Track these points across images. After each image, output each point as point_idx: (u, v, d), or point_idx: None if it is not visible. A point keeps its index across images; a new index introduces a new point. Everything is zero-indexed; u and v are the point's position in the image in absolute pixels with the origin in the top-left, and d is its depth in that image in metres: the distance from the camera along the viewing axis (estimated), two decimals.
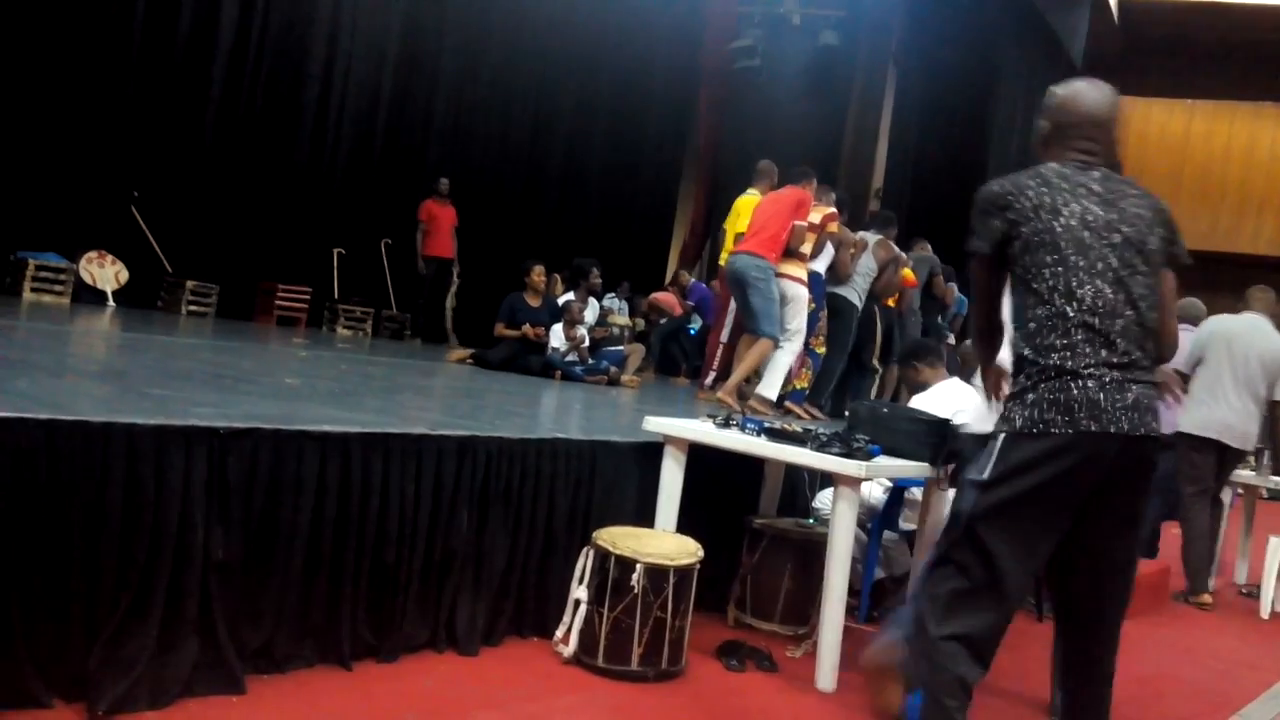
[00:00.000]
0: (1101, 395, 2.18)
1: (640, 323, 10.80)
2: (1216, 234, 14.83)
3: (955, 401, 4.22)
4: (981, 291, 2.48)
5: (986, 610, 2.23)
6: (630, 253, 12.32)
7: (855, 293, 7.17)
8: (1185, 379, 5.57)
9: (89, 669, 2.32)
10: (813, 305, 6.61)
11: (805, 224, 6.29)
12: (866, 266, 7.28)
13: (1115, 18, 14.16)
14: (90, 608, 2.35)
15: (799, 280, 6.33)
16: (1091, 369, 2.20)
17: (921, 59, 12.32)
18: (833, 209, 6.75)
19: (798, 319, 6.31)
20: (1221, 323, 5.73)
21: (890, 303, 7.82)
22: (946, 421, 3.62)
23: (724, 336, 7.18)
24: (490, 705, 2.82)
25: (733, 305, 6.87)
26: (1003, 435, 2.25)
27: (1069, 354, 2.21)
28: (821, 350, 6.93)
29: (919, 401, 4.32)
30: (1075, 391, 2.19)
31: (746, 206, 7.12)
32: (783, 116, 12.87)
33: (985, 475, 2.24)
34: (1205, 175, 15.24)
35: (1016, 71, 12.47)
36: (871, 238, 7.53)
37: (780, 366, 6.28)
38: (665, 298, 10.82)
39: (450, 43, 10.80)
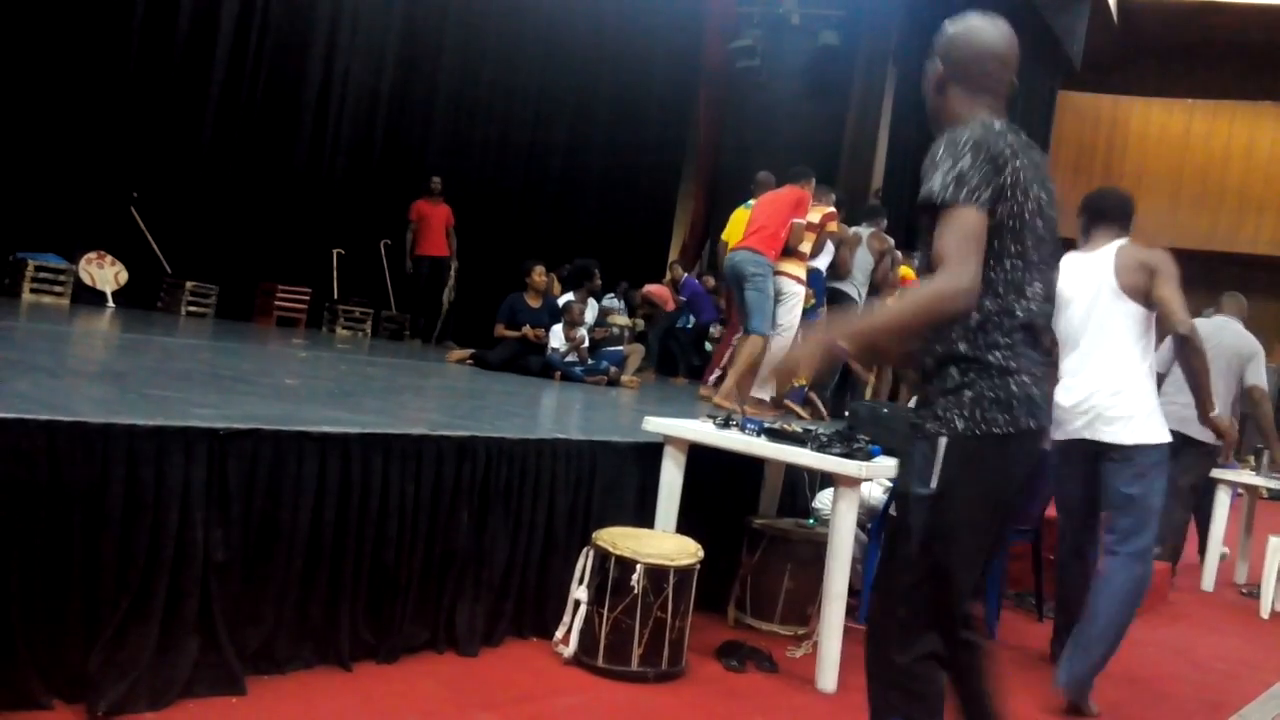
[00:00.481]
0: (1035, 391, 2.08)
1: (640, 323, 10.80)
2: (1216, 234, 14.82)
3: None
4: (977, 246, 1.99)
5: (943, 620, 2.12)
6: (629, 253, 12.32)
7: (855, 288, 7.24)
8: (1161, 378, 5.64)
9: (89, 670, 2.32)
10: (813, 301, 6.64)
11: (804, 222, 6.31)
12: (863, 260, 7.34)
13: (1114, 17, 14.15)
14: (90, 609, 2.35)
15: (797, 279, 6.35)
16: (1029, 367, 2.08)
17: (921, 59, 12.17)
18: (831, 208, 6.77)
19: (791, 315, 6.32)
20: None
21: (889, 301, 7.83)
22: None
23: (735, 339, 7.20)
24: (490, 706, 2.82)
25: None
26: (944, 439, 2.06)
27: (1010, 354, 2.06)
28: None
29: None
30: (1014, 388, 2.05)
31: (745, 218, 7.09)
32: (782, 116, 12.86)
33: (933, 486, 2.06)
34: (1205, 175, 15.23)
35: (1015, 72, 12.48)
36: (864, 231, 7.57)
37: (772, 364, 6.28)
38: (659, 291, 10.83)
39: (450, 43, 10.79)
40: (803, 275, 6.39)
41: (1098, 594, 3.48)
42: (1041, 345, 2.13)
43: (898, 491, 2.20)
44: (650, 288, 10.99)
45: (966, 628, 2.19)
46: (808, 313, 6.54)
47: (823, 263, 6.82)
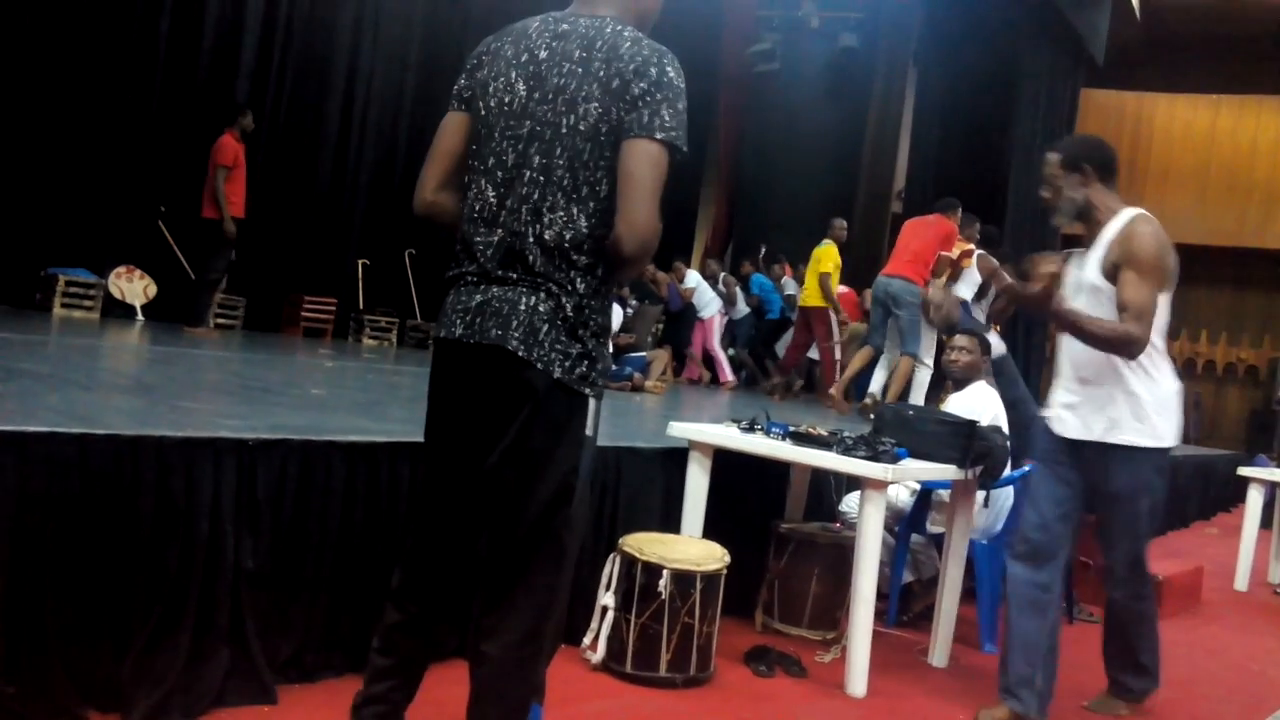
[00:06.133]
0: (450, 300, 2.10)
1: (659, 328, 10.82)
2: (1245, 230, 14.63)
3: (984, 404, 4.19)
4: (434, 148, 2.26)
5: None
6: (652, 258, 12.33)
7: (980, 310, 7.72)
8: None
9: (122, 680, 2.34)
10: None
11: (950, 256, 6.76)
12: (971, 277, 7.73)
13: (1137, 14, 14.01)
14: (123, 619, 2.37)
15: None
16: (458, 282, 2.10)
17: (941, 59, 12.24)
18: (971, 245, 7.19)
19: (928, 337, 6.77)
20: None
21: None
22: (974, 423, 3.60)
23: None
24: None
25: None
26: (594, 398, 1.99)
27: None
28: None
29: (953, 404, 4.29)
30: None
31: (826, 255, 7.86)
32: (803, 119, 12.84)
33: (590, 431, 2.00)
34: (1232, 170, 15.04)
35: (1037, 70, 12.35)
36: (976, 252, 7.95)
37: (922, 385, 6.77)
38: None
39: (471, 50, 10.81)
40: None
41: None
42: (474, 257, 1.99)
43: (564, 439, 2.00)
44: None
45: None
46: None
47: (966, 292, 7.10)
